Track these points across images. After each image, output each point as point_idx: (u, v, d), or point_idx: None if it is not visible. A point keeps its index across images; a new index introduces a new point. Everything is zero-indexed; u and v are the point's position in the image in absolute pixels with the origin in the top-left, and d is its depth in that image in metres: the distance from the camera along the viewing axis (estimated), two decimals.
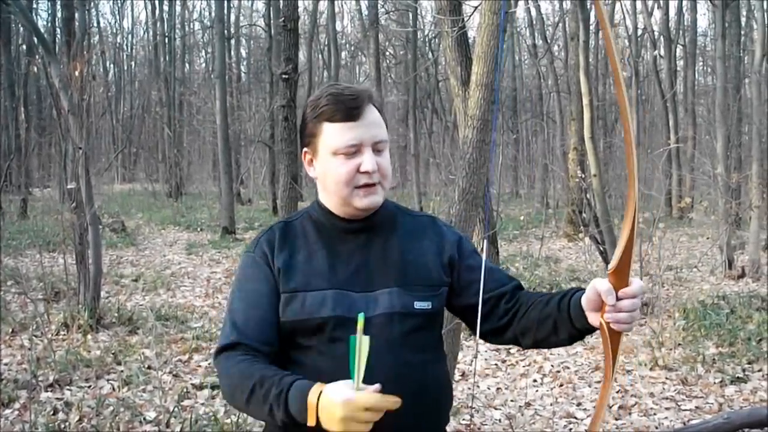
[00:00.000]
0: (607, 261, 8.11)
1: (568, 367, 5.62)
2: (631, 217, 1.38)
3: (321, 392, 1.30)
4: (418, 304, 1.54)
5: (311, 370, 1.45)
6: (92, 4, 25.36)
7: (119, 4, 35.80)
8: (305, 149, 1.60)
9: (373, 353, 1.42)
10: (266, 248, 1.57)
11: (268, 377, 1.39)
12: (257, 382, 1.39)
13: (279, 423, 1.38)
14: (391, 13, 23.36)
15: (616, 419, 4.52)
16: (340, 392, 1.28)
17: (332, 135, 1.51)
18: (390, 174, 1.56)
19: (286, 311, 1.52)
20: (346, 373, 1.33)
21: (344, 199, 1.54)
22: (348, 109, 1.50)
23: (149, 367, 5.28)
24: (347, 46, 32.27)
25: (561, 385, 5.18)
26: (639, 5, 22.17)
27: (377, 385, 1.29)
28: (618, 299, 1.36)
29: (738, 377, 5.20)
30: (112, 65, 38.03)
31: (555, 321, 1.49)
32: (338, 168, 1.51)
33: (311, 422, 1.30)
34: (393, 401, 1.28)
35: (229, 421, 4.20)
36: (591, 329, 1.46)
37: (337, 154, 1.51)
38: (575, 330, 1.47)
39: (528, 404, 4.76)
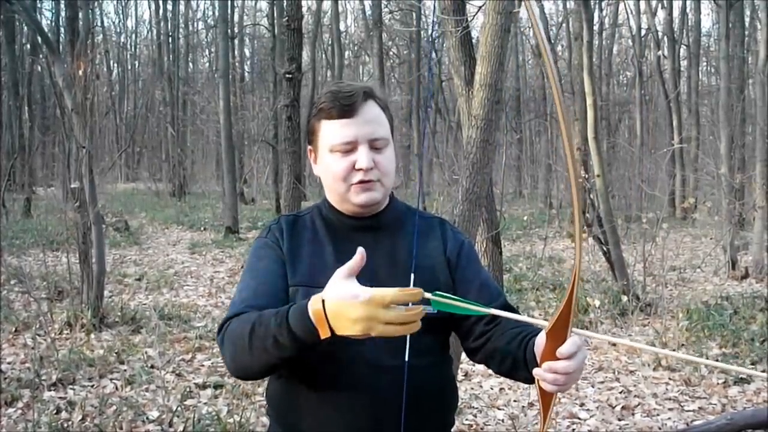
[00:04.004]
0: (610, 261, 8.09)
1: None
2: (573, 282, 1.25)
3: (323, 299, 1.22)
4: (424, 308, 1.51)
5: (310, 368, 1.43)
6: (96, 3, 25.43)
7: (123, 4, 35.95)
8: (309, 147, 1.61)
9: (377, 355, 1.41)
10: (277, 234, 1.57)
11: (266, 313, 1.33)
12: (256, 320, 1.33)
13: (286, 353, 1.29)
14: (395, 12, 23.39)
15: (620, 420, 4.52)
16: (349, 290, 1.21)
17: (329, 132, 1.52)
18: (391, 171, 1.55)
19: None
20: (346, 371, 1.34)
21: (341, 196, 1.55)
22: (343, 106, 1.49)
23: (152, 367, 5.29)
24: (351, 45, 32.28)
25: None
26: (643, 5, 22.18)
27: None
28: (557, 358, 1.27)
29: (741, 378, 5.19)
30: (115, 64, 38.17)
31: (514, 360, 1.44)
32: (334, 165, 1.52)
33: (324, 334, 1.22)
34: (414, 292, 1.20)
35: (231, 420, 4.21)
36: None
37: (334, 151, 1.51)
38: (530, 375, 1.35)
39: (531, 404, 4.75)
